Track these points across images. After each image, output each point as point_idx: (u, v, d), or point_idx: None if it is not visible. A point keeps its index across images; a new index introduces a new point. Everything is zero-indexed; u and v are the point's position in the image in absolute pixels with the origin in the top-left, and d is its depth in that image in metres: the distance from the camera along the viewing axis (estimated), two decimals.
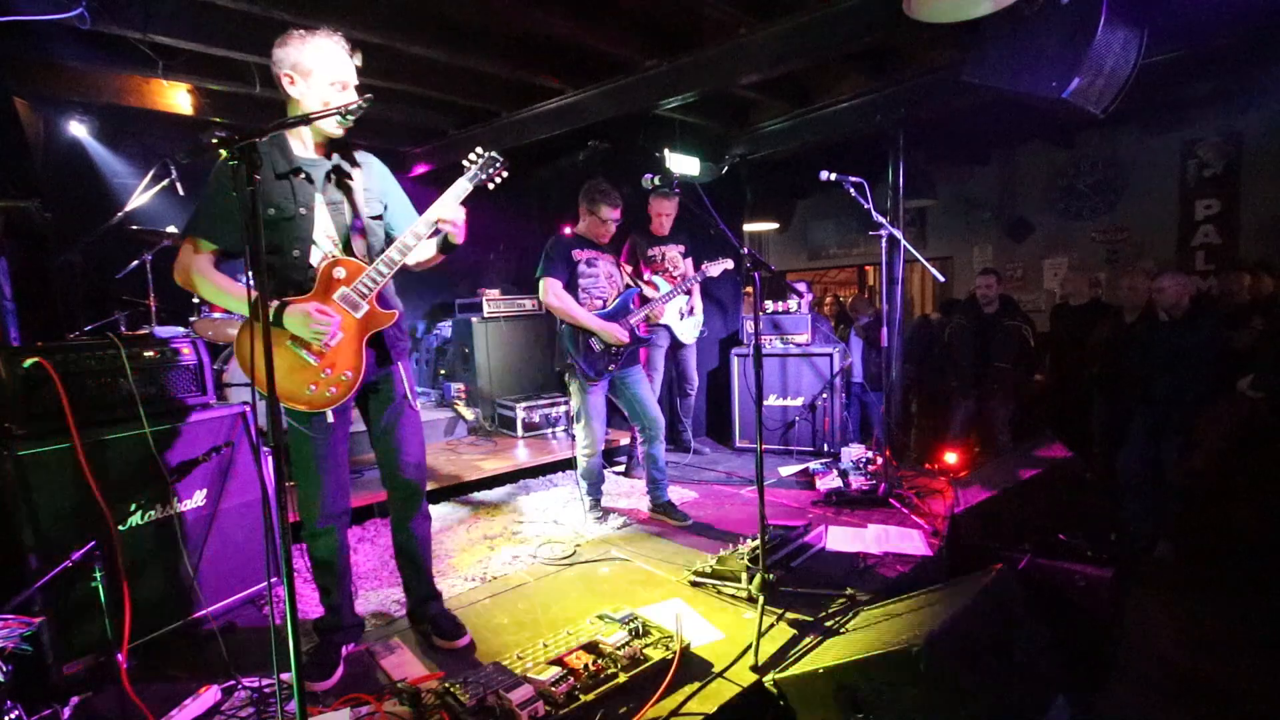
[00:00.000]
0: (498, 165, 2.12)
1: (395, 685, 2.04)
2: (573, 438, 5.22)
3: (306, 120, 1.83)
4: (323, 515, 2.15)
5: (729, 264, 3.87)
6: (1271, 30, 3.16)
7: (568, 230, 3.59)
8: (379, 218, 2.17)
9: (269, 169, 1.95)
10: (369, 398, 2.24)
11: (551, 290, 3.34)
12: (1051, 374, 5.15)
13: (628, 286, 3.58)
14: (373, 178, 2.17)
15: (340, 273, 2.00)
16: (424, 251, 2.22)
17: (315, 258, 2.02)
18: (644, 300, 3.58)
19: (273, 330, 1.91)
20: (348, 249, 2.07)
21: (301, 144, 2.04)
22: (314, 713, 1.85)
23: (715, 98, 4.87)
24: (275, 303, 1.92)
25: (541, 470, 4.61)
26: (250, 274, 1.48)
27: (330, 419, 2.07)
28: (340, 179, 2.07)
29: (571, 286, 3.40)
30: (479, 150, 2.12)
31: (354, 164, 2.12)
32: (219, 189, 1.93)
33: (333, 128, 2.00)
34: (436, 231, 2.11)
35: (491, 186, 2.14)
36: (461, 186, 2.07)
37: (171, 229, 4.13)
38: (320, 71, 1.95)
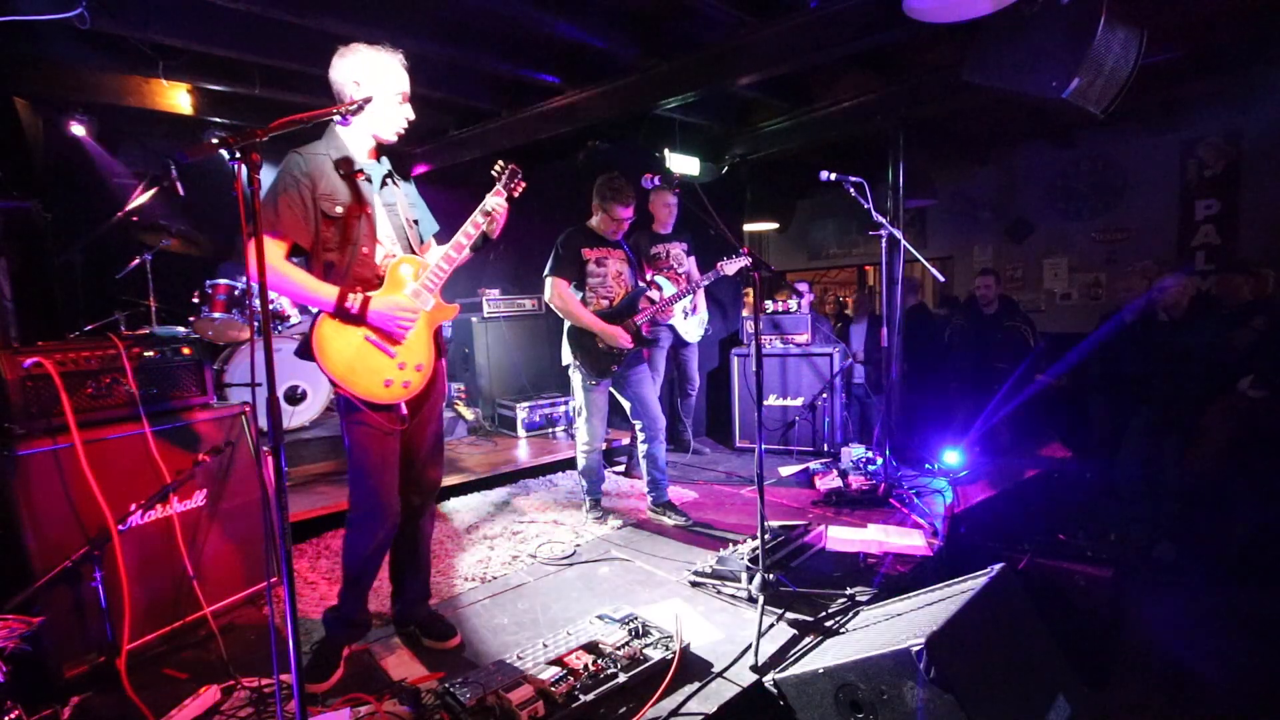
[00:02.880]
0: (517, 177, 2.18)
1: (395, 685, 2.04)
2: (572, 437, 5.23)
3: (306, 121, 1.83)
4: (390, 517, 2.15)
5: (746, 261, 3.79)
6: (1271, 30, 3.16)
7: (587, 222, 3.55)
8: (416, 222, 2.27)
9: (330, 168, 2.03)
10: None
11: (556, 290, 3.37)
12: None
13: (637, 285, 3.56)
14: (409, 186, 2.31)
15: (407, 269, 2.09)
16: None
17: (379, 256, 2.09)
18: (651, 301, 3.57)
19: (347, 326, 1.98)
20: (405, 248, 2.16)
21: (358, 149, 2.11)
22: (314, 713, 1.85)
23: (715, 98, 4.87)
24: (356, 295, 1.96)
25: (541, 470, 4.61)
26: (255, 270, 1.49)
27: (404, 411, 2.13)
28: (391, 183, 2.18)
29: (580, 285, 3.41)
30: (500, 164, 2.19)
31: (399, 170, 2.24)
32: (285, 186, 1.98)
33: (388, 135, 2.11)
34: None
35: (516, 195, 2.20)
36: (493, 201, 2.13)
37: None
38: (384, 88, 2.07)
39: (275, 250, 1.95)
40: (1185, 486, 3.89)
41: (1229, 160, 5.46)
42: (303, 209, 1.98)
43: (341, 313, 1.95)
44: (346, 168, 2.04)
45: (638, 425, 3.58)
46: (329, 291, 1.95)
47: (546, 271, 3.42)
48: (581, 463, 3.60)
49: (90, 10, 2.99)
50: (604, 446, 3.66)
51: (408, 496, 2.32)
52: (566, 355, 3.47)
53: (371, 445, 2.09)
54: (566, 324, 3.43)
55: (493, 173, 2.20)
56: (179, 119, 4.57)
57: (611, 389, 3.55)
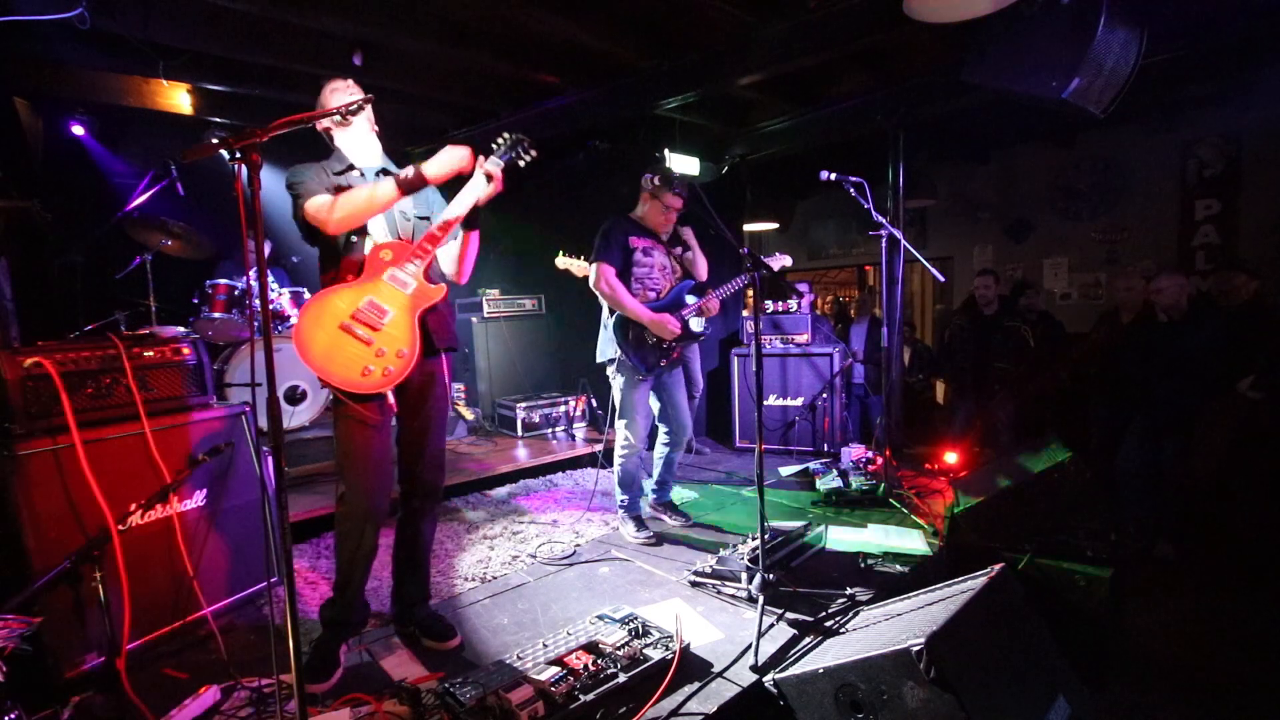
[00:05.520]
0: (525, 144, 2.23)
1: (395, 685, 2.04)
2: (572, 438, 5.24)
3: (308, 120, 1.83)
4: (373, 514, 2.15)
5: (787, 260, 3.68)
6: (1271, 30, 3.16)
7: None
8: (426, 218, 2.30)
9: (329, 174, 2.17)
10: (409, 388, 2.22)
11: (604, 276, 3.19)
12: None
13: (681, 279, 3.45)
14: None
15: (386, 255, 2.12)
16: (453, 247, 2.30)
17: (367, 246, 2.16)
18: (699, 293, 3.40)
19: (323, 316, 2.01)
20: (399, 237, 2.21)
21: (355, 152, 2.24)
22: (314, 713, 1.85)
23: (715, 98, 4.87)
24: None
25: (541, 470, 4.61)
26: (254, 272, 1.50)
27: (391, 399, 2.14)
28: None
29: (624, 275, 3.25)
30: (505, 134, 2.23)
31: (401, 168, 2.27)
32: (306, 183, 2.14)
33: (366, 149, 2.25)
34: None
35: (522, 164, 2.24)
36: (494, 162, 2.17)
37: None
38: (330, 97, 2.21)
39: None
40: (1185, 486, 3.89)
41: (1229, 160, 5.46)
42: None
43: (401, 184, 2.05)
44: (341, 169, 2.19)
45: (663, 429, 3.46)
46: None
47: (592, 257, 3.25)
48: (619, 469, 3.38)
49: (90, 10, 2.99)
50: (645, 451, 3.46)
51: (409, 499, 2.33)
52: (607, 351, 3.29)
53: (355, 438, 2.11)
54: (610, 319, 3.27)
55: (492, 145, 2.22)
56: (179, 119, 4.57)
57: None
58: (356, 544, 2.15)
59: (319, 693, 2.03)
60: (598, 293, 3.27)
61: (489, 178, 2.15)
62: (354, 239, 2.15)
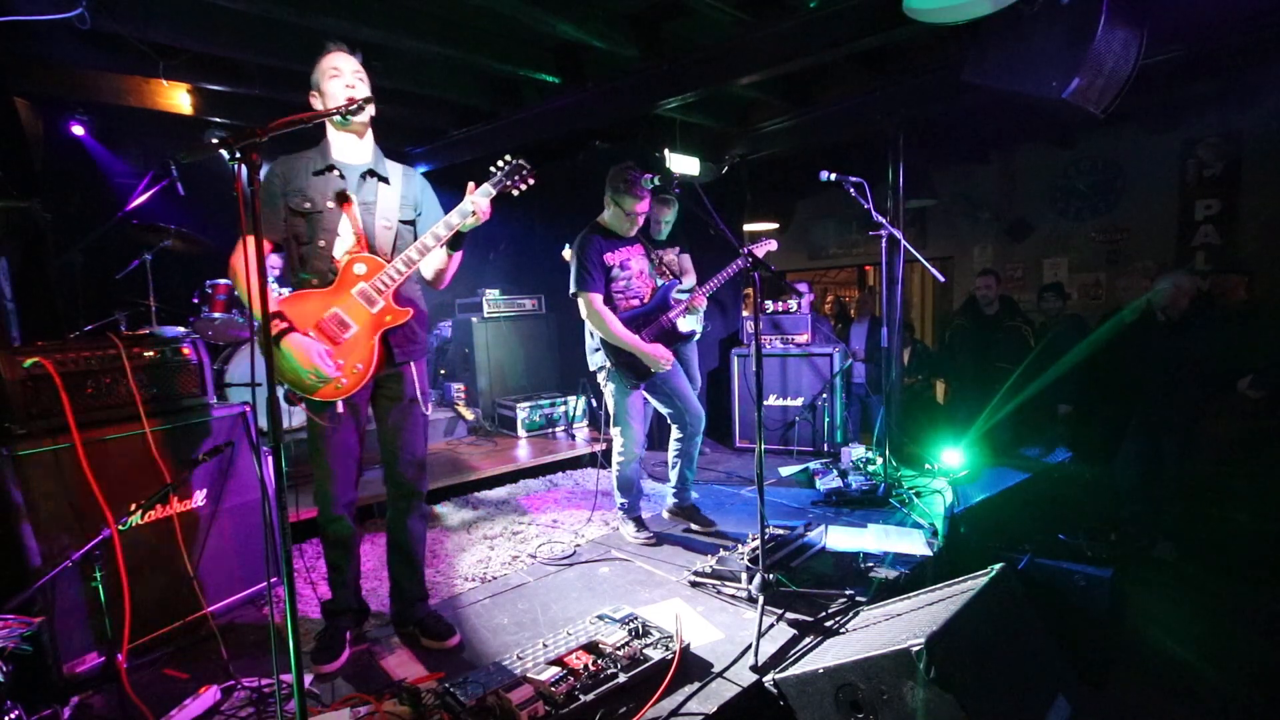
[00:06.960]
0: (524, 172, 2.18)
1: (395, 685, 2.04)
2: (572, 437, 5.24)
3: (306, 121, 1.83)
4: (335, 503, 2.23)
5: (772, 245, 3.57)
6: (1271, 30, 3.16)
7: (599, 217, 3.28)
8: (411, 223, 2.26)
9: (308, 169, 2.12)
10: (379, 396, 2.29)
11: (593, 307, 3.09)
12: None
13: (663, 281, 3.38)
14: (411, 186, 2.28)
15: (360, 269, 2.10)
16: (436, 258, 2.24)
17: (339, 249, 2.13)
18: (681, 296, 3.33)
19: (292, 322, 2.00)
20: (374, 246, 2.16)
21: (342, 149, 2.17)
22: (314, 712, 1.85)
23: (715, 98, 4.87)
24: (281, 326, 1.99)
25: (541, 470, 4.61)
26: (253, 272, 1.50)
27: (340, 409, 2.16)
28: (376, 182, 2.18)
29: (606, 294, 3.17)
30: (507, 157, 2.19)
31: (390, 170, 2.24)
32: (263, 187, 2.06)
33: (356, 129, 2.15)
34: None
35: (516, 194, 2.20)
36: (484, 191, 2.12)
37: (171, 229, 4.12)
38: (326, 82, 2.09)
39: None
40: (1185, 486, 3.89)
41: (1229, 160, 5.46)
42: (271, 207, 2.09)
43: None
44: (321, 166, 2.13)
45: (675, 427, 3.38)
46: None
47: (575, 287, 3.12)
48: (617, 474, 3.33)
49: (90, 10, 2.99)
50: (643, 454, 3.40)
51: (393, 500, 2.39)
52: (598, 360, 3.25)
53: (317, 442, 2.20)
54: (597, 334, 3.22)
55: (491, 169, 2.19)
56: (179, 119, 4.57)
57: (645, 393, 3.34)
58: (326, 540, 2.28)
59: (330, 673, 2.11)
60: (589, 323, 3.19)
61: (474, 208, 2.08)
62: (320, 243, 2.10)
